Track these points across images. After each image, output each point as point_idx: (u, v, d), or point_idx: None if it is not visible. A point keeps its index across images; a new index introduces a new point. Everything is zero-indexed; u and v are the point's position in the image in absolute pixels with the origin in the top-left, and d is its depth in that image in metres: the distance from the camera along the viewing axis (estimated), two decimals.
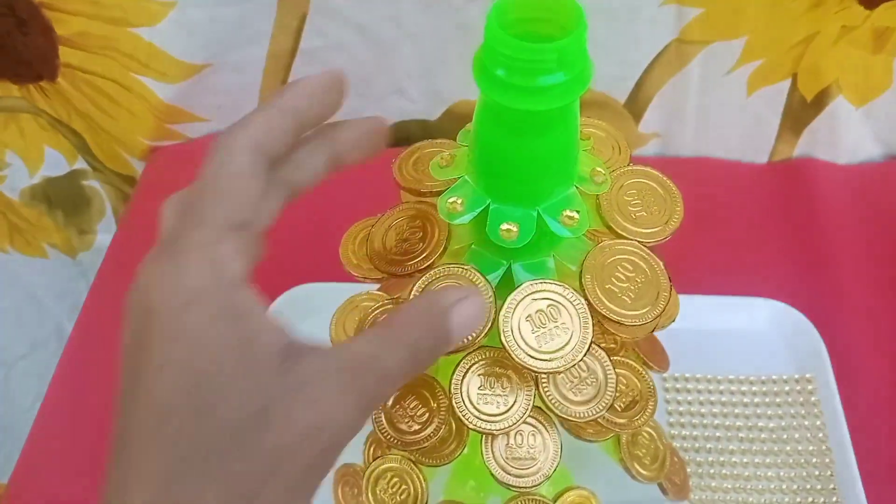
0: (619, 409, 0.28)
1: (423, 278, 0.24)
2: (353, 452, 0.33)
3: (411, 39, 0.48)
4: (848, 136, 0.53)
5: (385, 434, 0.27)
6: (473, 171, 0.22)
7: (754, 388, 0.43)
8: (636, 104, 0.51)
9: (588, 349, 0.23)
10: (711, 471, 0.40)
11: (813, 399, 0.42)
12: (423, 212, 0.25)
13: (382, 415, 0.28)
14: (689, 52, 0.48)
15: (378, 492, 0.30)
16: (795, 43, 0.47)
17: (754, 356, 0.44)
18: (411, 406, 0.28)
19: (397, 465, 0.30)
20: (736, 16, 0.46)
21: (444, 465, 0.30)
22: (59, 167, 0.57)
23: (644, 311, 0.23)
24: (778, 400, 0.42)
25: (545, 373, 0.24)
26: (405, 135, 0.53)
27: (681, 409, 0.42)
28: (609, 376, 0.26)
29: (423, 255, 0.24)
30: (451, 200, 0.22)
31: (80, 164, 0.57)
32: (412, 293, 0.24)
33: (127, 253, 0.49)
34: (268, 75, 0.50)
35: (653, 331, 0.27)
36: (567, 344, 0.23)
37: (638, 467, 0.30)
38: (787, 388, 0.42)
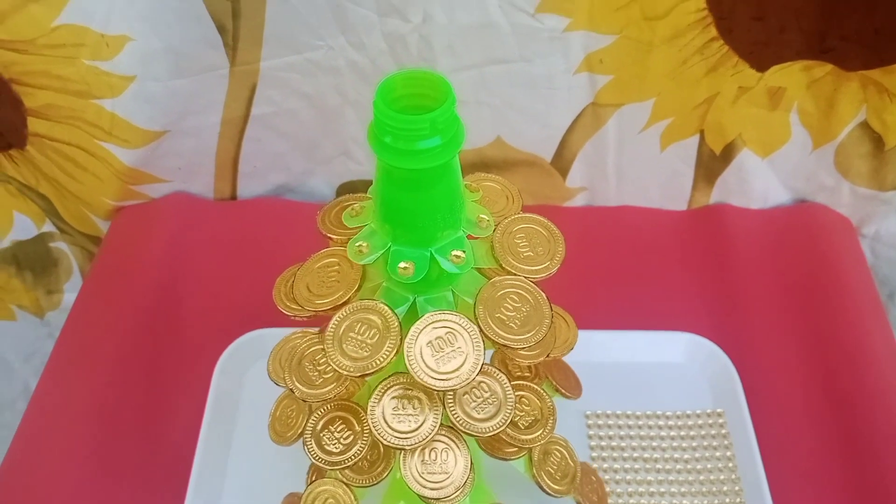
0: (523, 427, 0.32)
1: (340, 312, 0.28)
2: (299, 483, 0.37)
3: (354, 106, 0.53)
4: (757, 184, 0.57)
5: (314, 455, 0.31)
6: (377, 220, 0.27)
7: (670, 423, 0.46)
8: (561, 162, 0.56)
9: (480, 369, 0.27)
10: (631, 501, 0.43)
11: (723, 432, 0.45)
12: (340, 255, 0.29)
13: (312, 439, 0.31)
14: (603, 113, 0.53)
15: None
16: (699, 103, 0.53)
17: (672, 386, 0.48)
18: (338, 430, 0.31)
19: (331, 487, 0.33)
20: (642, 81, 0.51)
21: (374, 485, 0.33)
22: (27, 231, 0.60)
23: (528, 335, 0.27)
24: (692, 433, 0.45)
25: (444, 390, 0.27)
26: (354, 193, 0.58)
27: (602, 444, 0.45)
28: (508, 396, 0.30)
29: (340, 293, 0.28)
30: (358, 244, 0.26)
31: (48, 226, 0.60)
32: (330, 325, 0.28)
33: (91, 308, 0.52)
34: (223, 139, 0.54)
35: (548, 355, 0.31)
36: (462, 365, 0.27)
37: (549, 481, 0.34)
38: (700, 422, 0.46)
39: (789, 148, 0.55)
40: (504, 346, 0.27)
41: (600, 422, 0.46)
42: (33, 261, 0.62)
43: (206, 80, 0.50)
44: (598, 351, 0.48)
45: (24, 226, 0.60)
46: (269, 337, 0.47)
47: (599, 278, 0.55)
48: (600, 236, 0.57)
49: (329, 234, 0.30)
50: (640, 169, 0.57)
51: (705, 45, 0.49)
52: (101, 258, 0.56)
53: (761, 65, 0.51)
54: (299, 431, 0.34)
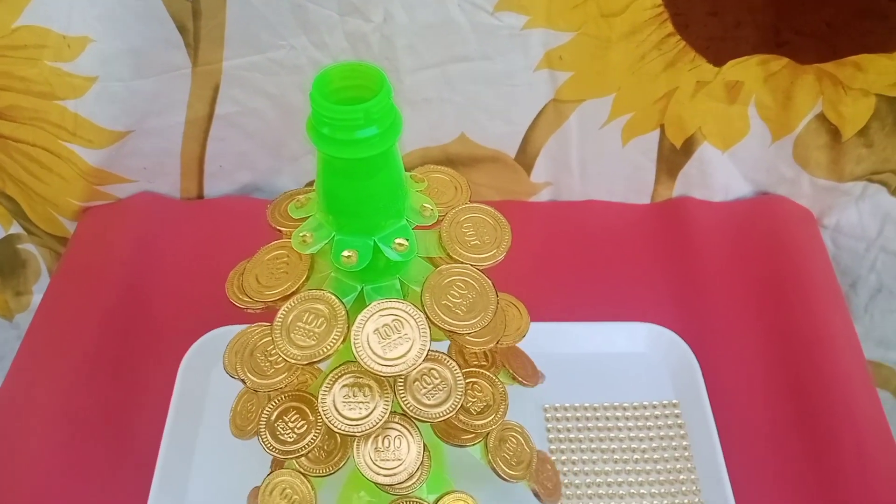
0: (475, 413, 0.32)
1: (288, 303, 0.28)
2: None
3: None
4: (718, 176, 0.58)
5: (268, 445, 0.31)
6: (321, 210, 0.27)
7: (628, 414, 0.47)
8: (525, 157, 0.57)
9: (426, 355, 0.27)
10: (589, 491, 0.44)
11: (679, 422, 0.46)
12: (288, 247, 0.29)
13: (266, 429, 0.31)
14: (565, 109, 0.54)
15: (271, 501, 0.33)
16: (658, 98, 0.54)
17: (634, 376, 0.49)
18: (292, 420, 0.32)
19: (289, 478, 0.33)
20: (602, 77, 0.52)
21: (330, 474, 0.33)
22: None
23: (474, 321, 0.28)
24: (649, 424, 0.46)
25: (391, 376, 0.28)
26: None
27: (560, 436, 0.46)
28: (458, 382, 0.30)
29: (288, 283, 0.28)
30: (302, 234, 0.27)
31: (16, 228, 0.60)
32: (278, 316, 0.28)
33: (57, 308, 0.52)
34: (187, 138, 0.55)
35: (498, 342, 0.32)
36: (409, 351, 0.27)
37: (504, 467, 0.34)
38: (656, 413, 0.47)
39: (749, 141, 0.56)
40: (450, 331, 0.28)
41: (559, 414, 0.47)
42: (1, 263, 0.62)
43: (168, 80, 0.51)
44: (561, 342, 0.49)
45: None
46: (234, 334, 0.47)
47: (565, 271, 0.55)
48: (565, 230, 0.58)
49: (278, 227, 0.30)
50: (603, 163, 0.57)
51: (662, 41, 0.50)
52: (67, 258, 0.56)
53: (718, 59, 0.51)
54: None
